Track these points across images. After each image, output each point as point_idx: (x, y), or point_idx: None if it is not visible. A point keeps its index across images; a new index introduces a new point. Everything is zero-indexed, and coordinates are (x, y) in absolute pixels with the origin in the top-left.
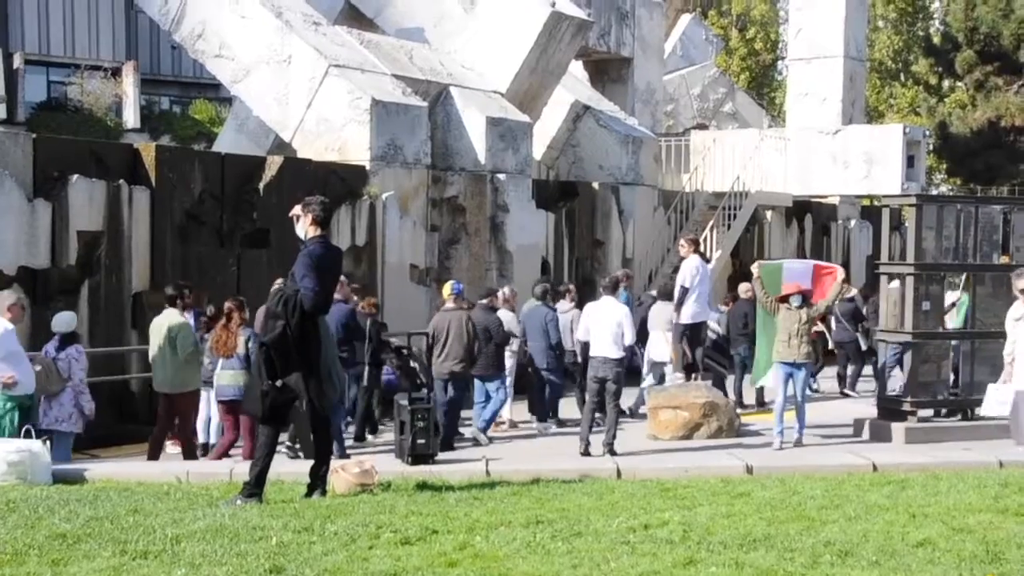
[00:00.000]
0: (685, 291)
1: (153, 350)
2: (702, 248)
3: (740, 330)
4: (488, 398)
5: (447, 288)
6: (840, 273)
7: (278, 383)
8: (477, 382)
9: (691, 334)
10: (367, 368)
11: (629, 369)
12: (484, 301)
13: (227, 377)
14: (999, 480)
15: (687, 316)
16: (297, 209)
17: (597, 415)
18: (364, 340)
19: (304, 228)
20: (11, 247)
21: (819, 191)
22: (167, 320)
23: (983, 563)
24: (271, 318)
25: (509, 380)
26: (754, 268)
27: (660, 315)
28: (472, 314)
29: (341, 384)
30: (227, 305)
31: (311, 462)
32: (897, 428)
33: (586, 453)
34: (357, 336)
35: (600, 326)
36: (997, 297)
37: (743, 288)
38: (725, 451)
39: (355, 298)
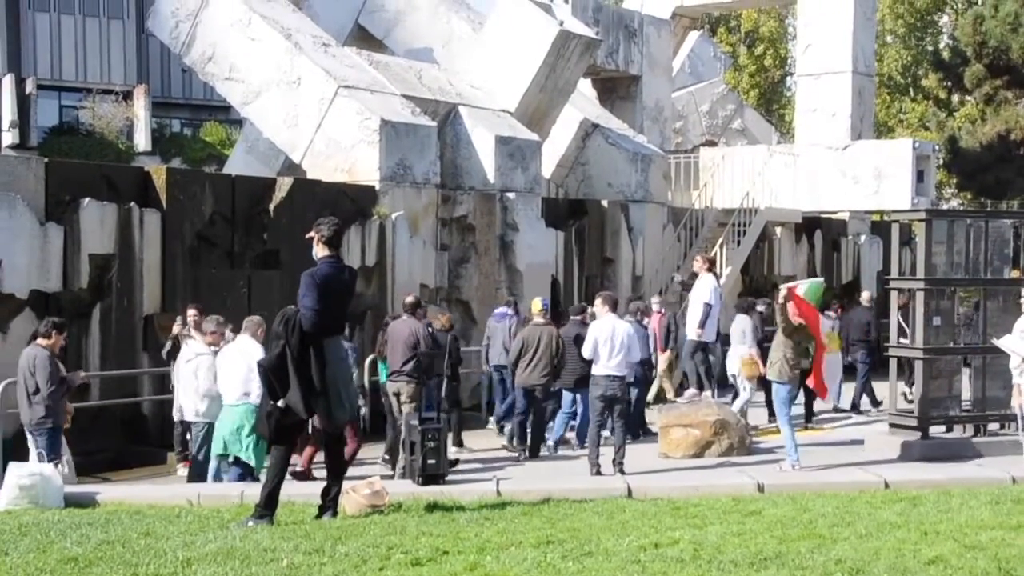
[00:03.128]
0: (709, 307)
1: None
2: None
3: (861, 336)
4: (573, 408)
5: (536, 304)
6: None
7: (280, 404)
8: (567, 393)
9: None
10: (446, 381)
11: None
12: (577, 317)
13: None
14: (1012, 497)
15: (709, 335)
16: (312, 232)
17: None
18: (444, 355)
19: (315, 249)
20: (23, 270)
21: (829, 207)
22: None
23: None
24: (273, 339)
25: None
26: (783, 287)
27: (738, 329)
28: (564, 329)
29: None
30: None
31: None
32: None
33: (598, 473)
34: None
35: (606, 344)
36: (1007, 311)
37: (865, 296)
38: (736, 469)
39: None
